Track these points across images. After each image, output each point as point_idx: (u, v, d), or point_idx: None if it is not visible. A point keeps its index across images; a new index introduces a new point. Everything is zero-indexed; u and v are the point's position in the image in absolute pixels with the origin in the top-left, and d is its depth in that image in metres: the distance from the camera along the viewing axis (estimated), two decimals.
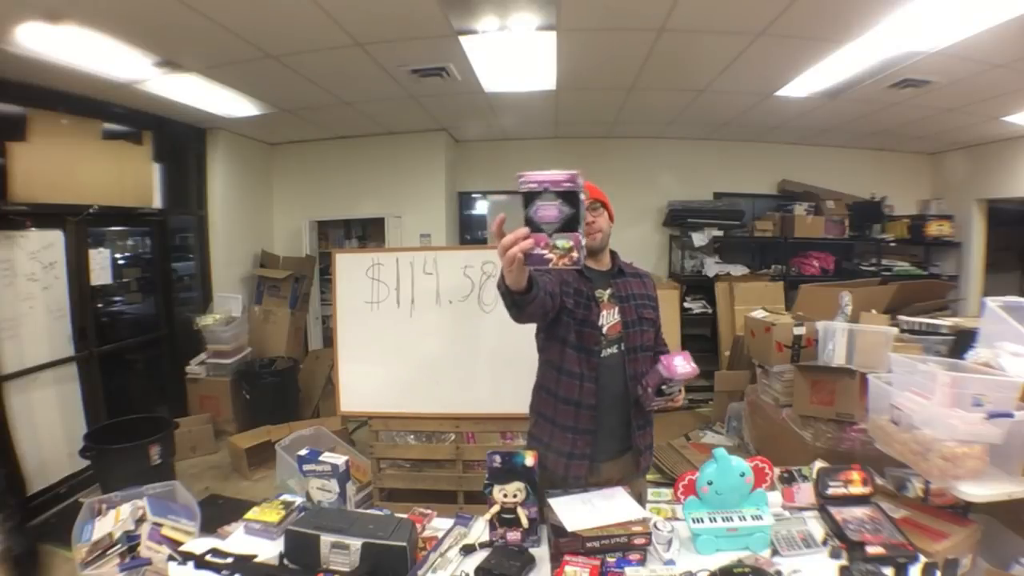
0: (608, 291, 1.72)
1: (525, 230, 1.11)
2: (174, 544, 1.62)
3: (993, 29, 2.72)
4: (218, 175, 5.00)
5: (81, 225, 3.57)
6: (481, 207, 6.41)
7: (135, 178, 4.09)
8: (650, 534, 1.37)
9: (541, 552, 1.42)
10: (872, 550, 1.31)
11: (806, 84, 3.78)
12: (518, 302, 1.37)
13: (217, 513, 2.61)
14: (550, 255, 1.10)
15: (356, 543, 1.29)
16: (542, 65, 3.51)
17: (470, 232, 6.37)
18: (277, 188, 5.87)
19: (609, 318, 1.70)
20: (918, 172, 6.06)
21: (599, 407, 1.69)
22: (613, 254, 1.82)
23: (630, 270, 1.83)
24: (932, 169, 6.04)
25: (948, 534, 1.61)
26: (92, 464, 3.14)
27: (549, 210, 1.10)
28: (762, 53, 3.19)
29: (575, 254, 1.09)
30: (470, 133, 5.68)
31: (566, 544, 1.34)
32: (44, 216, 3.36)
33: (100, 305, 4.01)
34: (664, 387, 1.58)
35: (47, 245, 3.36)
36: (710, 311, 5.50)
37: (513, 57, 3.37)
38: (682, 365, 1.51)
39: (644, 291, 1.79)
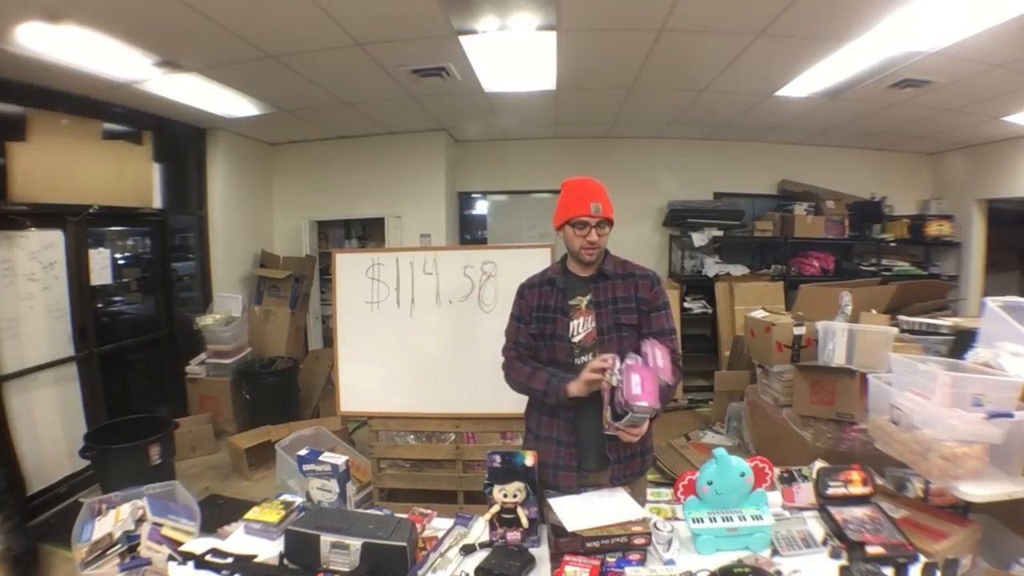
0: (588, 297, 1.69)
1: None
2: (174, 544, 1.63)
3: (993, 29, 2.72)
4: (218, 175, 5.00)
5: (81, 225, 3.57)
6: (481, 207, 6.41)
7: (135, 178, 4.09)
8: (650, 534, 1.37)
9: (541, 552, 1.42)
10: (872, 550, 1.31)
11: (806, 84, 3.78)
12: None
13: (217, 513, 2.61)
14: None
15: (356, 543, 1.29)
16: (542, 65, 3.51)
17: (470, 232, 6.37)
18: (277, 188, 5.87)
19: (585, 326, 1.67)
20: (918, 172, 6.06)
21: (577, 418, 1.68)
22: (606, 256, 1.76)
23: (620, 270, 1.73)
24: (932, 169, 6.04)
25: (948, 534, 1.61)
26: (92, 464, 3.14)
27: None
28: (762, 53, 3.19)
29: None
30: (470, 133, 5.68)
31: (566, 544, 1.34)
32: (44, 216, 3.36)
33: (100, 305, 4.00)
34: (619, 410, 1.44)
35: (47, 245, 3.36)
36: (710, 311, 5.50)
37: (513, 57, 3.37)
38: (638, 395, 1.38)
39: (632, 293, 1.69)
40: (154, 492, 2.14)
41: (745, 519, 1.41)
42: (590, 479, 1.71)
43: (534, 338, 1.73)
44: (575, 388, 1.58)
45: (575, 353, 1.67)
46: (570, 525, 1.37)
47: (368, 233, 5.87)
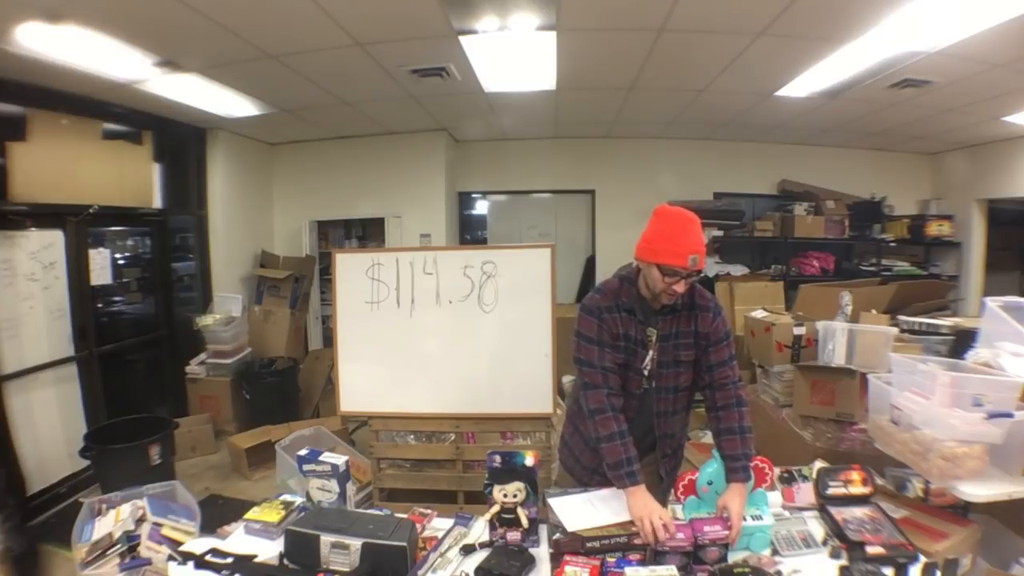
0: (657, 328, 1.63)
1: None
2: (174, 544, 1.62)
3: (993, 29, 2.71)
4: (218, 175, 4.99)
5: (81, 225, 3.57)
6: (481, 207, 6.40)
7: (135, 178, 4.09)
8: None
9: (541, 552, 1.42)
10: (872, 550, 1.32)
11: (806, 84, 3.77)
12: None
13: (217, 513, 2.62)
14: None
15: (356, 543, 1.29)
16: (542, 65, 3.51)
17: (470, 232, 6.37)
18: (277, 188, 5.86)
19: (652, 357, 1.62)
20: (918, 172, 6.06)
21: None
22: None
23: (685, 302, 1.63)
24: (932, 169, 6.04)
25: (948, 534, 1.61)
26: (92, 464, 3.14)
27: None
28: (762, 53, 3.19)
29: None
30: (470, 133, 5.67)
31: (566, 544, 1.34)
32: (44, 216, 3.36)
33: (100, 305, 4.00)
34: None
35: (47, 245, 3.36)
36: None
37: (513, 57, 3.36)
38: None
39: (691, 328, 1.62)
40: (154, 492, 2.14)
41: (745, 519, 1.41)
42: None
43: (622, 368, 1.64)
44: (630, 501, 1.47)
45: (643, 384, 1.64)
46: (570, 525, 1.36)
47: (368, 233, 5.86)
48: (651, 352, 1.61)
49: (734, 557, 1.35)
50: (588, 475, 1.73)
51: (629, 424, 1.57)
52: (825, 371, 2.66)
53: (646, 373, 1.62)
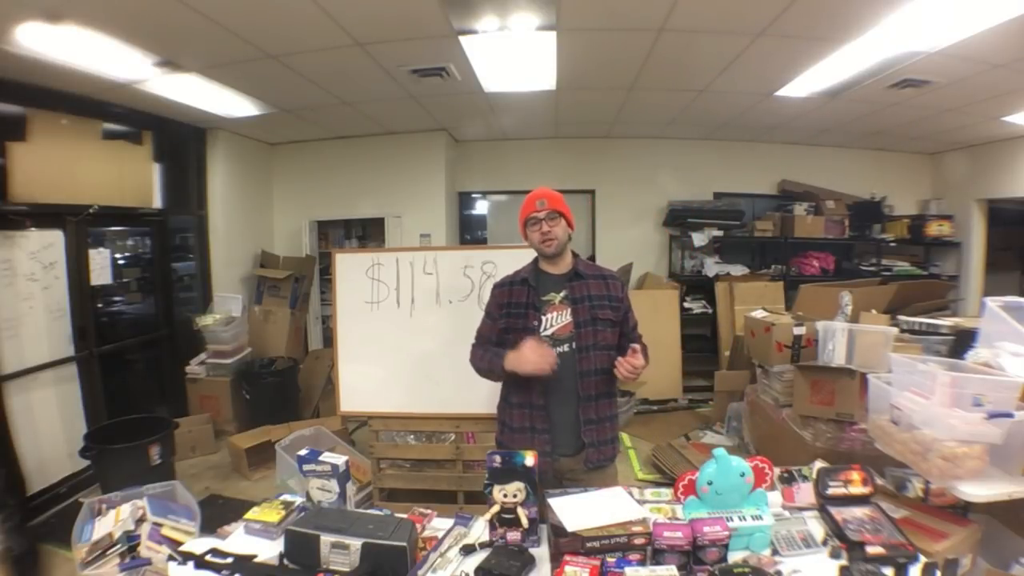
0: (562, 293, 1.84)
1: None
2: (174, 544, 1.62)
3: (993, 29, 2.72)
4: (218, 175, 5.00)
5: (81, 225, 3.57)
6: (481, 207, 6.40)
7: (135, 178, 4.09)
8: (650, 534, 1.37)
9: (541, 552, 1.42)
10: (872, 550, 1.31)
11: (806, 84, 3.78)
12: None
13: (217, 513, 2.62)
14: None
15: (356, 543, 1.29)
16: (542, 65, 3.51)
17: (470, 232, 6.37)
18: (277, 188, 5.87)
19: (558, 319, 1.81)
20: (918, 172, 6.06)
21: (549, 406, 1.80)
22: (575, 257, 1.91)
23: (592, 272, 1.89)
24: (932, 169, 6.05)
25: (948, 534, 1.61)
26: (92, 464, 3.14)
27: None
28: (762, 53, 3.19)
29: None
30: (470, 133, 5.68)
31: (566, 544, 1.34)
32: (44, 216, 3.36)
33: (100, 305, 4.00)
34: None
35: (47, 245, 3.36)
36: (710, 311, 5.50)
37: (513, 57, 3.37)
38: None
39: (604, 292, 1.85)
40: (154, 492, 2.14)
41: (745, 519, 1.41)
42: (563, 464, 1.81)
43: (504, 332, 1.87)
44: (510, 364, 1.75)
45: (548, 345, 1.78)
46: (570, 525, 1.36)
47: (368, 233, 5.87)
48: (551, 315, 1.81)
49: (734, 557, 1.35)
50: (518, 435, 1.84)
51: (548, 393, 1.78)
52: (825, 371, 2.66)
53: (548, 333, 1.80)
